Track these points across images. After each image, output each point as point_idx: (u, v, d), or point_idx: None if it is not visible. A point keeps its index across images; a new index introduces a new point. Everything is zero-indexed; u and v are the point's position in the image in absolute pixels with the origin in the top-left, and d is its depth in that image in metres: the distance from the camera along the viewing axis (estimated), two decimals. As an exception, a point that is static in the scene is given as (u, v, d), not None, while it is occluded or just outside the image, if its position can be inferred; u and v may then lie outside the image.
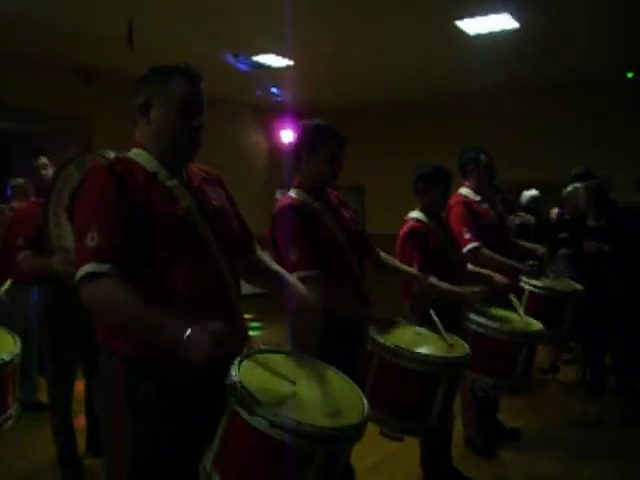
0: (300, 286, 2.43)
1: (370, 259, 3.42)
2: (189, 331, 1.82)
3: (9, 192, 6.18)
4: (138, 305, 1.93)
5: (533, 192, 7.81)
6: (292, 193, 3.20)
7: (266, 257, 2.58)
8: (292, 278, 2.50)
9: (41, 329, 4.54)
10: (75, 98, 9.07)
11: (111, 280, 1.96)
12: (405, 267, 3.66)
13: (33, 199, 4.86)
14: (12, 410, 3.04)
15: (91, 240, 1.98)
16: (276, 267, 2.54)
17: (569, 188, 6.85)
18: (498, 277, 4.16)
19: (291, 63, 9.11)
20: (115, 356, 2.10)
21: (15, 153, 10.88)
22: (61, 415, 4.47)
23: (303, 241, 2.99)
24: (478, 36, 7.83)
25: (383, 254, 3.56)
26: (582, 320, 5.11)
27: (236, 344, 1.94)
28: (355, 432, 1.89)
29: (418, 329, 3.29)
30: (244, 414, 1.80)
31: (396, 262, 3.71)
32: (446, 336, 3.20)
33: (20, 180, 6.26)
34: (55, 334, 4.37)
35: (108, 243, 1.98)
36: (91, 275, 1.96)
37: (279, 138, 12.39)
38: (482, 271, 4.23)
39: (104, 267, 1.96)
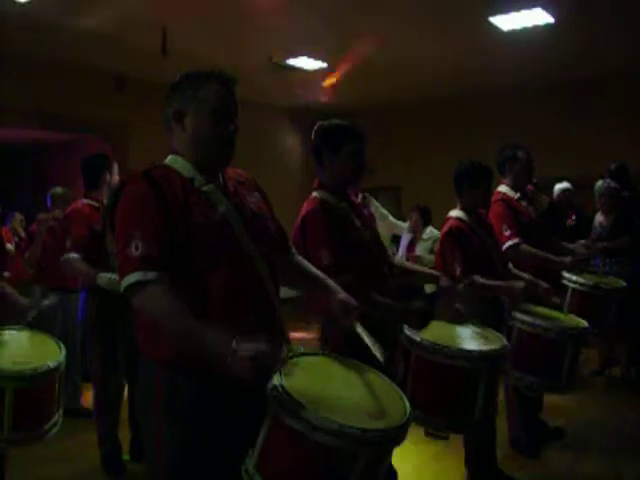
0: (342, 291, 2.42)
1: (388, 261, 3.38)
2: (235, 347, 1.81)
3: (49, 201, 6.25)
4: (186, 315, 1.93)
5: (564, 185, 7.70)
6: (316, 194, 3.15)
7: (305, 260, 2.58)
8: (333, 283, 2.48)
9: (90, 334, 4.55)
10: (109, 104, 9.17)
11: (159, 287, 1.96)
12: (422, 268, 3.64)
13: (85, 201, 4.73)
14: (57, 417, 3.07)
15: (135, 249, 1.98)
16: (316, 271, 2.54)
17: (599, 183, 6.86)
18: (541, 283, 4.09)
19: (324, 65, 9.11)
20: (155, 361, 2.11)
21: (54, 161, 11.05)
22: (109, 420, 4.50)
23: (334, 244, 2.95)
24: (512, 32, 7.75)
25: (403, 255, 3.55)
26: (627, 317, 5.04)
27: (279, 356, 1.92)
28: (398, 433, 1.88)
29: (452, 325, 3.28)
30: (286, 417, 1.80)
31: (406, 263, 3.68)
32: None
33: (59, 189, 6.34)
34: (104, 339, 4.39)
35: (153, 250, 1.99)
36: (139, 284, 1.97)
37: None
38: (526, 276, 4.17)
39: (151, 275, 1.96)
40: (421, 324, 3.02)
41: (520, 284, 3.82)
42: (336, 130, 3.15)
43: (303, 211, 3.12)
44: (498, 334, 3.30)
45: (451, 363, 2.95)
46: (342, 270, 2.84)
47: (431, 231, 7.35)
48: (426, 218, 7.34)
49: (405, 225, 7.31)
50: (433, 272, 3.54)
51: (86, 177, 4.66)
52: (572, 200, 7.66)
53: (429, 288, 6.87)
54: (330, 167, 3.13)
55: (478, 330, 3.32)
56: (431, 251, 7.15)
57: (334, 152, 3.10)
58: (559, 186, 7.71)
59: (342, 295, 2.40)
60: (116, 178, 4.71)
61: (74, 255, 4.28)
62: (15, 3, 6.44)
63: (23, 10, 6.63)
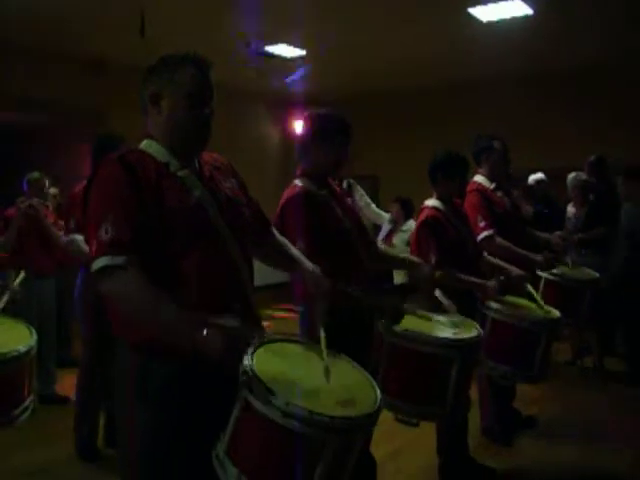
0: (316, 271, 2.45)
1: (369, 249, 3.39)
2: (206, 330, 1.82)
3: (25, 186, 6.19)
4: (154, 300, 1.93)
5: (539, 175, 7.79)
6: (298, 182, 3.18)
7: (285, 240, 2.60)
8: (309, 263, 2.51)
9: (86, 314, 4.52)
10: (88, 90, 9.09)
11: (127, 273, 1.95)
12: (406, 256, 3.65)
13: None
14: (28, 402, 3.05)
15: (105, 233, 1.97)
16: (295, 252, 2.57)
17: (571, 175, 7.06)
18: (514, 269, 4.12)
19: (303, 53, 9.09)
20: (129, 345, 2.11)
21: (32, 146, 10.95)
22: (90, 405, 4.50)
23: (311, 230, 2.98)
24: (490, 23, 7.77)
25: (380, 244, 3.55)
26: (598, 308, 5.09)
27: (251, 336, 1.92)
28: (367, 421, 1.88)
29: (429, 316, 3.29)
30: (256, 403, 1.79)
31: (394, 252, 3.69)
32: (458, 319, 3.23)
33: (36, 174, 6.27)
34: (98, 321, 4.35)
35: (122, 235, 1.97)
36: (107, 268, 1.95)
37: (292, 129, 12.37)
38: (498, 263, 4.21)
39: (119, 260, 1.95)
40: (394, 321, 3.04)
41: (492, 283, 3.84)
42: (329, 120, 3.18)
43: (283, 198, 3.15)
44: (474, 323, 3.32)
45: (423, 350, 2.97)
46: (317, 259, 2.85)
47: (411, 224, 7.38)
48: (407, 210, 7.36)
49: (387, 215, 7.33)
50: (416, 260, 3.54)
51: (94, 158, 4.58)
52: (546, 191, 7.73)
53: (399, 278, 6.92)
54: (316, 156, 3.15)
55: (454, 319, 3.34)
56: (408, 243, 7.18)
57: (324, 141, 3.13)
58: (533, 177, 7.79)
59: (316, 273, 2.43)
60: None
61: (78, 236, 4.27)
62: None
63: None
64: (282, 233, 2.93)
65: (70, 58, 8.89)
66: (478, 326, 3.30)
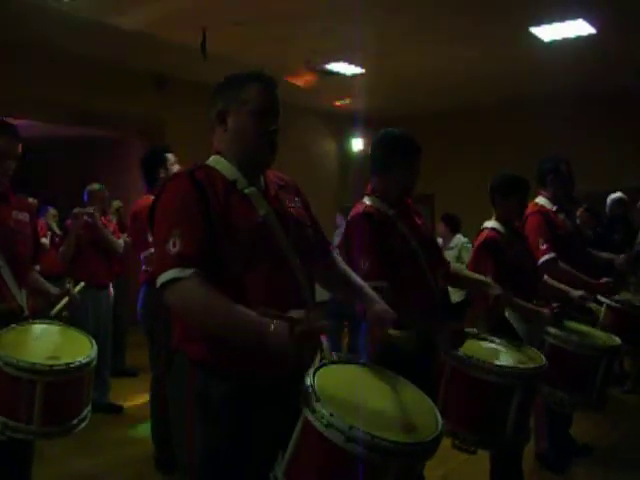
0: (380, 302, 2.40)
1: (442, 269, 3.36)
2: (274, 324, 1.82)
3: (86, 197, 6.31)
4: (222, 303, 1.94)
5: (618, 194, 7.52)
6: (366, 200, 3.19)
7: (345, 266, 2.56)
8: (372, 292, 2.46)
9: (154, 325, 4.54)
10: (148, 103, 9.26)
11: (194, 284, 1.96)
12: (479, 277, 3.59)
13: (151, 197, 4.77)
14: (86, 412, 3.09)
15: (173, 246, 1.99)
16: (356, 278, 2.52)
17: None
18: (574, 292, 4.05)
19: (361, 71, 9.11)
20: (189, 359, 2.11)
21: (92, 158, 11.16)
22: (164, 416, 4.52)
23: (375, 250, 2.96)
24: (553, 42, 7.70)
25: (454, 264, 3.51)
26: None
27: (318, 334, 1.90)
28: (429, 447, 1.85)
29: (491, 340, 3.23)
30: (318, 425, 1.77)
31: (468, 272, 3.65)
32: (522, 347, 3.18)
33: (96, 185, 6.40)
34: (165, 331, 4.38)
35: (191, 249, 1.99)
36: (174, 281, 1.97)
37: (349, 146, 12.40)
38: (559, 286, 4.13)
39: (187, 272, 1.97)
40: (455, 345, 2.99)
41: (547, 312, 3.76)
42: (409, 141, 3.19)
43: (350, 216, 3.17)
44: (537, 351, 3.25)
45: (486, 378, 2.91)
46: (379, 278, 2.84)
47: (458, 239, 7.31)
48: (453, 226, 7.30)
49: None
50: (489, 281, 3.50)
51: (144, 174, 4.66)
52: (625, 211, 7.47)
53: (456, 297, 6.85)
54: (386, 174, 3.17)
55: (517, 345, 3.27)
56: (457, 259, 7.12)
57: (404, 161, 3.15)
58: (612, 196, 7.54)
59: (379, 306, 2.38)
60: (173, 170, 4.64)
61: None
62: (58, 2, 6.51)
63: (66, 9, 6.70)
64: (347, 250, 2.93)
65: (132, 73, 9.07)
66: (541, 355, 3.23)
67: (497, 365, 2.97)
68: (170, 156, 4.52)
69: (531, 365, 3.05)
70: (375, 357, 2.39)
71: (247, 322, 1.90)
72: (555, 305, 3.82)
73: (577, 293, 4.05)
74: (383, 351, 2.36)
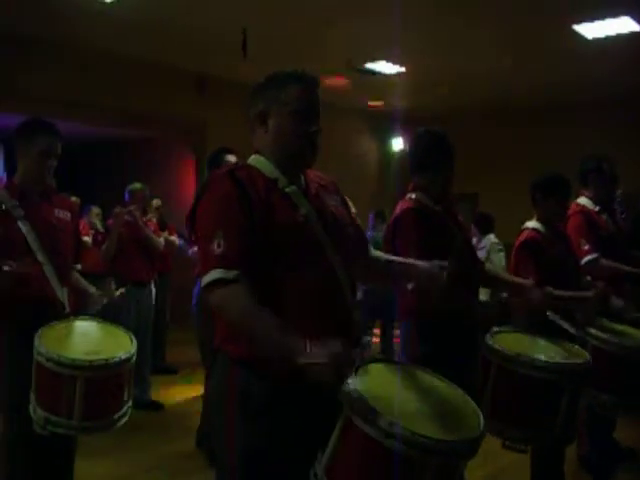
0: (421, 263, 2.46)
1: (476, 267, 3.35)
2: (308, 352, 1.82)
3: (127, 197, 6.38)
4: (262, 317, 1.95)
5: None
6: (413, 195, 3.23)
7: (377, 253, 2.59)
8: (409, 260, 2.53)
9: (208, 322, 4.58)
10: (190, 104, 9.34)
11: (239, 287, 1.98)
12: (514, 278, 3.57)
13: None
14: (126, 408, 3.12)
15: (217, 247, 2.00)
16: (389, 256, 2.58)
17: None
18: (614, 299, 3.98)
19: (402, 70, 9.07)
20: (230, 359, 2.12)
21: (131, 157, 11.31)
22: None
23: (422, 246, 2.96)
24: (596, 40, 7.59)
25: (489, 265, 3.51)
26: None
27: (354, 360, 1.90)
28: (469, 446, 1.84)
29: (534, 337, 3.21)
30: (359, 422, 1.78)
31: (502, 272, 3.63)
32: (566, 344, 3.15)
33: (138, 185, 6.46)
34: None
35: (235, 249, 2.00)
36: (219, 281, 1.98)
37: (389, 145, 12.37)
38: (599, 284, 4.07)
39: (232, 273, 1.98)
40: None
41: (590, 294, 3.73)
42: (446, 138, 3.28)
43: (396, 211, 3.20)
44: (579, 348, 3.22)
45: (534, 374, 2.89)
46: None
47: (488, 239, 7.24)
48: (485, 226, 7.23)
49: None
50: (526, 282, 3.47)
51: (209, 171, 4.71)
52: None
53: (482, 295, 6.79)
54: (432, 173, 3.22)
55: (558, 342, 3.25)
56: (486, 260, 7.05)
57: (446, 158, 3.24)
58: None
59: (424, 265, 2.44)
60: None
61: None
62: (99, 3, 6.59)
63: (107, 10, 6.79)
64: (393, 246, 2.94)
65: (173, 73, 9.15)
66: (584, 351, 3.19)
67: (546, 361, 2.95)
68: (230, 157, 4.56)
69: (577, 360, 3.03)
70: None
71: (281, 338, 1.91)
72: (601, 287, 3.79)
73: (618, 302, 3.99)
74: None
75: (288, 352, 1.87)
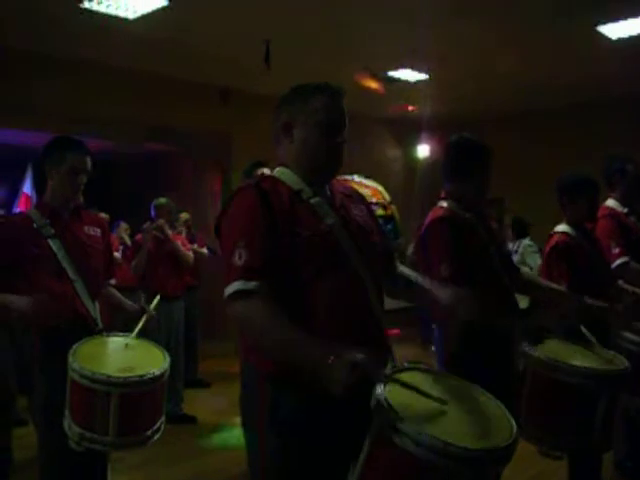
0: (446, 292, 2.36)
1: (514, 274, 3.32)
2: (331, 362, 1.79)
3: (153, 212, 6.43)
4: (284, 328, 1.94)
5: None
6: (444, 203, 3.21)
7: (406, 270, 2.55)
8: (436, 286, 2.44)
9: None
10: (214, 116, 9.37)
11: (258, 299, 1.98)
12: (551, 284, 3.52)
13: None
14: (159, 423, 3.13)
15: (239, 258, 2.01)
16: (418, 278, 2.51)
17: None
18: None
19: (426, 77, 9.05)
20: (258, 373, 2.12)
21: (158, 172, 11.37)
22: None
23: (455, 256, 2.96)
24: (620, 40, 7.51)
25: (526, 271, 3.46)
26: None
27: (381, 370, 1.88)
28: (503, 454, 1.81)
29: (569, 343, 3.17)
30: (389, 432, 1.76)
31: (539, 278, 3.59)
32: (602, 351, 3.08)
33: (162, 199, 6.51)
34: None
35: (256, 261, 2.01)
36: (240, 293, 1.99)
37: (414, 152, 12.33)
38: (634, 290, 4.03)
39: (252, 285, 1.98)
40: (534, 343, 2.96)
41: (621, 306, 3.68)
42: (481, 145, 3.27)
43: (427, 219, 3.17)
44: (615, 354, 3.18)
45: (571, 381, 2.86)
46: (461, 283, 2.81)
47: (520, 242, 7.19)
48: (520, 231, 7.18)
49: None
50: (563, 289, 3.45)
51: None
52: None
53: (522, 303, 6.74)
54: (467, 180, 3.21)
55: (594, 348, 3.21)
56: (520, 262, 7.00)
57: (482, 167, 3.22)
58: None
59: (446, 292, 2.35)
60: None
61: None
62: (122, 19, 6.66)
63: (129, 26, 6.85)
64: (424, 255, 2.91)
65: (197, 87, 9.19)
66: (622, 357, 3.15)
67: (584, 367, 2.92)
68: (264, 170, 4.58)
69: (616, 367, 2.99)
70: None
71: (304, 348, 1.90)
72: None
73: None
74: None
75: (310, 363, 1.86)
